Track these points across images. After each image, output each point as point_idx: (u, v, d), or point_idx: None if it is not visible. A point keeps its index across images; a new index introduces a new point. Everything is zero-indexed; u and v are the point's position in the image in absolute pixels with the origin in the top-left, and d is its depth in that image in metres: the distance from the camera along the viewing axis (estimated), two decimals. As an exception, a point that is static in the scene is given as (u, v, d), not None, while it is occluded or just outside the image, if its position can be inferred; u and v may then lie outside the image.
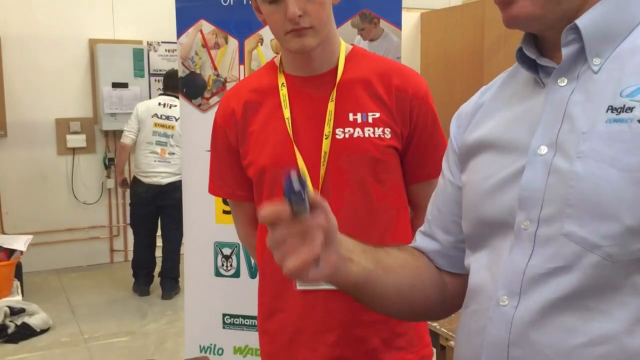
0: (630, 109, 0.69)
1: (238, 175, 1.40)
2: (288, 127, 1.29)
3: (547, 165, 0.74)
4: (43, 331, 3.97)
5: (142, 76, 5.34)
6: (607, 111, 0.71)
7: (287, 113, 1.30)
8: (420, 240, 1.00)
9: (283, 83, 1.32)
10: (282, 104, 1.31)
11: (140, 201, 4.58)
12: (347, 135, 1.27)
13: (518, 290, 0.75)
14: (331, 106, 1.28)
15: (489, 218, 0.83)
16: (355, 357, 1.30)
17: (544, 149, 0.75)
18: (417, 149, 1.33)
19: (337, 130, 1.28)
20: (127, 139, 4.60)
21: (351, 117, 1.28)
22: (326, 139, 1.27)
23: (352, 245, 0.85)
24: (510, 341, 0.75)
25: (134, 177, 4.67)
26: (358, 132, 1.27)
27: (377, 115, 1.28)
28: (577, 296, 0.71)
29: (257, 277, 1.99)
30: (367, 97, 1.29)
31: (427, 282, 0.95)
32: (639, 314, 0.68)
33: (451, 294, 0.96)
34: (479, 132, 0.88)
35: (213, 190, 1.50)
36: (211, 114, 2.00)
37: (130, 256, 5.58)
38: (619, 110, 0.70)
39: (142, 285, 4.69)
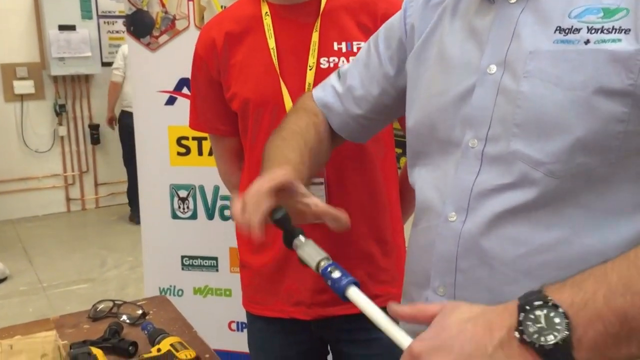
0: (578, 30, 0.70)
1: (219, 109, 1.36)
2: (273, 58, 1.26)
3: (496, 85, 0.76)
4: (0, 281, 3.92)
5: (90, 18, 5.12)
6: (555, 32, 0.72)
7: (271, 43, 1.26)
8: (330, 97, 1.05)
9: (267, 12, 1.28)
10: (267, 33, 1.27)
11: (131, 134, 4.54)
12: (331, 65, 1.25)
13: (466, 206, 0.78)
14: (315, 37, 1.25)
15: (437, 136, 0.84)
16: None
17: (493, 68, 0.77)
18: None
19: (322, 60, 1.25)
20: (116, 77, 4.74)
21: (336, 46, 1.26)
22: (310, 70, 1.25)
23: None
24: (458, 254, 0.79)
25: (122, 112, 4.67)
26: (343, 62, 1.24)
27: (363, 44, 1.25)
28: (522, 210, 0.74)
29: (215, 218, 2.02)
30: (353, 25, 1.26)
31: (325, 140, 1.05)
32: (577, 224, 0.72)
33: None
34: (433, 40, 0.88)
35: (193, 124, 1.46)
36: (161, 53, 1.95)
37: (88, 205, 5.50)
38: (566, 31, 0.71)
39: (138, 213, 4.70)
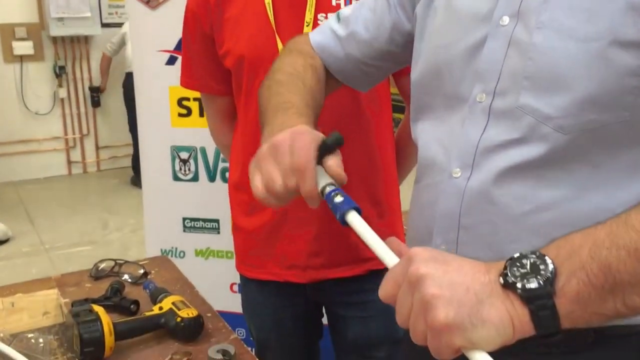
0: None
1: (212, 67, 1.33)
2: (269, 13, 1.21)
3: (508, 37, 0.74)
4: (2, 242, 3.94)
5: (90, -23, 5.03)
6: None
7: None
8: (329, 40, 1.00)
9: None
10: None
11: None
12: None
13: (470, 163, 0.77)
14: None
15: (444, 89, 0.82)
16: (334, 252, 1.29)
17: (505, 20, 0.74)
18: None
19: (319, 16, 1.21)
20: (107, 50, 4.96)
21: (334, 1, 1.22)
22: (307, 26, 1.21)
23: None
24: (461, 211, 0.77)
25: (127, 75, 4.66)
26: None
27: None
28: (527, 166, 0.73)
29: (217, 180, 2.01)
30: None
31: (323, 82, 0.98)
32: (585, 182, 0.71)
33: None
34: None
35: (185, 82, 1.42)
36: (161, 11, 1.91)
37: (89, 168, 5.50)
38: None
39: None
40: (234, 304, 1.98)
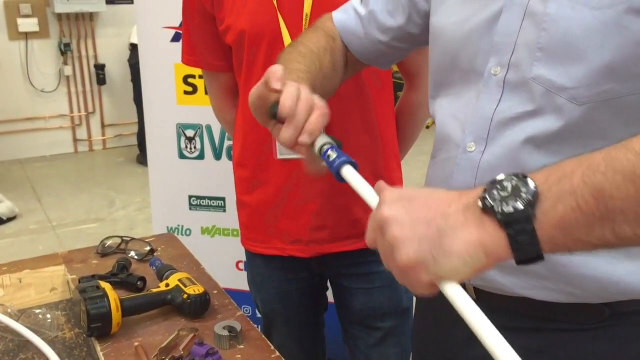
0: None
1: (212, 43, 1.32)
2: None
3: (523, 9, 0.73)
4: (10, 219, 3.96)
5: (94, -47, 4.99)
6: None
7: None
8: (352, 20, 1.00)
9: None
10: None
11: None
12: None
13: (485, 136, 0.76)
14: None
15: (460, 65, 0.81)
16: (338, 227, 1.30)
17: None
18: None
19: None
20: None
21: None
22: (307, 1, 1.19)
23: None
24: (476, 186, 0.76)
25: (131, 46, 4.66)
26: None
27: None
28: (543, 140, 0.72)
29: (223, 158, 2.00)
30: None
31: (339, 69, 0.99)
32: None
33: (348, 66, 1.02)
34: None
35: (186, 60, 1.42)
36: (167, -13, 1.89)
37: (95, 146, 5.51)
38: None
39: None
40: (239, 281, 1.99)
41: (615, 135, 0.68)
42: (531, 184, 0.55)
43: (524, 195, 0.54)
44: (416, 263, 0.56)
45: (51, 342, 0.97)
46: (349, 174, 0.70)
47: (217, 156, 1.99)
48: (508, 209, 0.54)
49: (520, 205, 0.54)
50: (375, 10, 0.97)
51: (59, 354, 0.94)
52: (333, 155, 0.71)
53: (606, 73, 0.66)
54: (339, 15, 1.02)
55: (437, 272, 0.56)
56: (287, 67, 0.85)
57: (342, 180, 0.71)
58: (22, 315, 1.04)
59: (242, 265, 2.05)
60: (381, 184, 0.64)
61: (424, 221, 0.57)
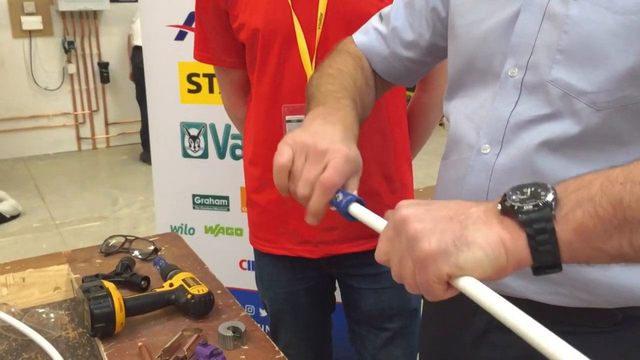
0: None
1: (225, 40, 1.31)
2: None
3: (542, 9, 0.72)
4: (13, 217, 3.97)
5: (98, -49, 4.99)
6: None
7: None
8: (374, 40, 0.98)
9: None
10: None
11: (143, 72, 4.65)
12: None
13: (500, 138, 0.75)
14: None
15: (477, 65, 0.80)
16: (347, 227, 1.28)
17: None
18: None
19: None
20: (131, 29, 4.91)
21: None
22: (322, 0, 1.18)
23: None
24: (489, 188, 0.76)
25: (135, 48, 4.63)
26: None
27: None
28: (559, 143, 0.71)
29: (226, 157, 2.00)
30: None
31: (371, 84, 0.97)
32: (619, 163, 0.69)
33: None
34: None
35: (198, 55, 1.41)
36: (171, -15, 1.88)
37: (99, 144, 5.51)
38: None
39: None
40: (243, 280, 1.99)
41: (630, 141, 0.67)
42: (549, 187, 0.55)
43: (543, 198, 0.54)
44: (437, 252, 0.54)
45: (54, 342, 0.97)
46: (357, 210, 0.70)
47: (221, 155, 1.98)
48: (527, 207, 0.54)
49: (540, 204, 0.54)
50: (397, 26, 0.94)
51: (62, 354, 0.93)
52: (339, 197, 0.72)
53: (627, 78, 0.65)
54: (361, 37, 1.00)
55: (458, 262, 0.54)
56: (319, 92, 0.84)
57: (351, 218, 0.71)
58: (25, 314, 1.04)
59: (245, 265, 2.05)
60: (390, 212, 0.63)
61: (445, 217, 0.56)
